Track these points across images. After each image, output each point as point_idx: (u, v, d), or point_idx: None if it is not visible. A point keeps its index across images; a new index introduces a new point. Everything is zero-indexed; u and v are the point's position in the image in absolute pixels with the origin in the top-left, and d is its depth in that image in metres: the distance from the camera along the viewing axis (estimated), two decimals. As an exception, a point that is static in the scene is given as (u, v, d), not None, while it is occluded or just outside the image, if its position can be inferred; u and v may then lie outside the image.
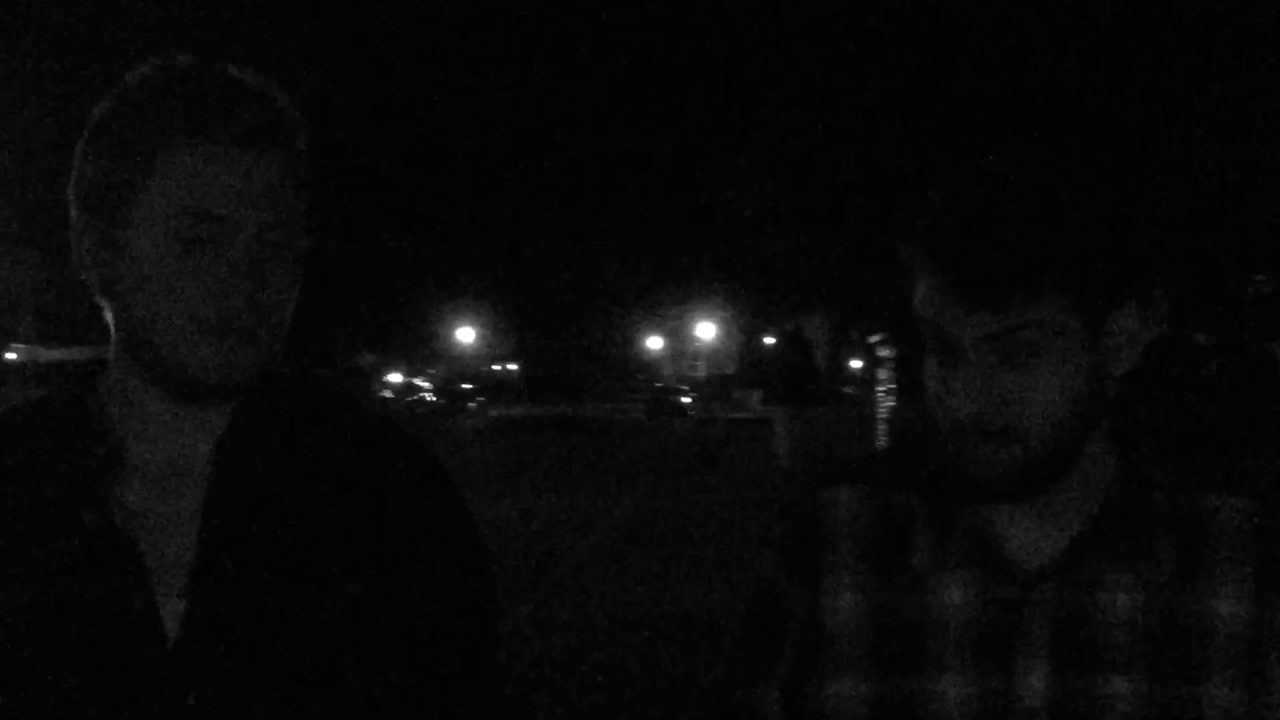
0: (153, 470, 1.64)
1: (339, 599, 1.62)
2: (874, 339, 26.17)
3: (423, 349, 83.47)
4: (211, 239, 1.57)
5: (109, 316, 1.65)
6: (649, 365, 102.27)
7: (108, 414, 1.66)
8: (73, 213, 1.64)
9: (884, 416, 24.71)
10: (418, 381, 70.38)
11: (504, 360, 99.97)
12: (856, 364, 58.51)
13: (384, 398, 60.07)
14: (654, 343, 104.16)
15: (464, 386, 70.50)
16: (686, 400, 64.54)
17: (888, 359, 24.72)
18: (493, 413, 65.57)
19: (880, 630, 1.62)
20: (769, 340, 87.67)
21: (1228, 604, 1.57)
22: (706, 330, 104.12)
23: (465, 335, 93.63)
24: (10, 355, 25.76)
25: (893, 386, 24.25)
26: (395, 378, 69.20)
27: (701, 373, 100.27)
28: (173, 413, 1.65)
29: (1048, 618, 1.56)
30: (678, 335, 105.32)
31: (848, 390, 57.29)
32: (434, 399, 63.30)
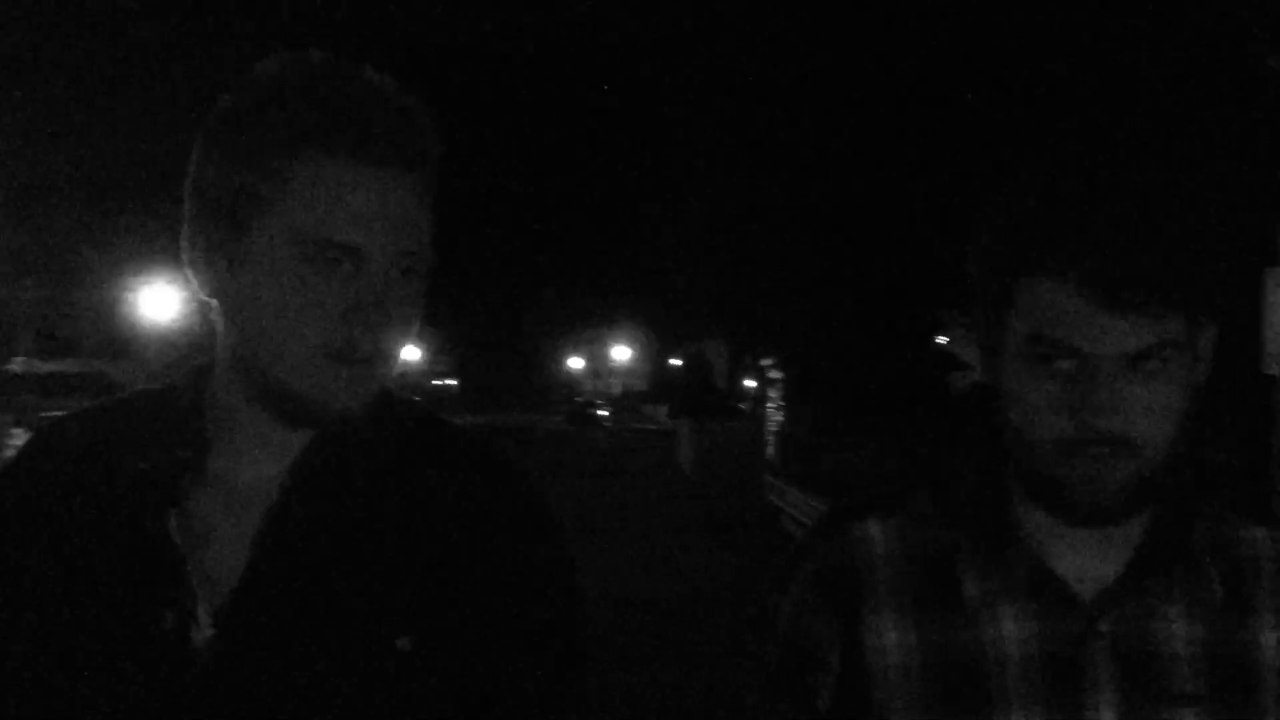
0: (230, 485, 1.36)
1: (385, 653, 1.30)
2: (765, 362, 26.37)
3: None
4: (341, 265, 1.29)
5: (217, 320, 1.38)
6: (571, 381, 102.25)
7: (200, 420, 1.38)
8: (189, 208, 1.35)
9: (773, 429, 24.88)
10: (413, 399, 69.70)
11: (445, 376, 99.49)
12: (750, 383, 58.78)
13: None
14: (575, 362, 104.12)
15: (414, 399, 69.91)
16: (603, 413, 64.35)
17: (776, 379, 24.92)
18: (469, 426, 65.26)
19: (933, 669, 1.36)
20: (675, 361, 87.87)
21: (1272, 635, 1.38)
22: (622, 352, 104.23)
23: (411, 354, 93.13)
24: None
25: (781, 403, 24.43)
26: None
27: (617, 389, 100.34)
28: (266, 432, 1.37)
29: (1112, 650, 1.35)
30: (596, 356, 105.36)
31: (742, 406, 57.52)
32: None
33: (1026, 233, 1.31)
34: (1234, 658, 1.36)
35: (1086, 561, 1.38)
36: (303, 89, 1.31)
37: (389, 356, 1.34)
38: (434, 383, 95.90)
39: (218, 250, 1.33)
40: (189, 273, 1.38)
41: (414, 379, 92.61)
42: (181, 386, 1.42)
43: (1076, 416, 1.28)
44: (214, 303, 1.37)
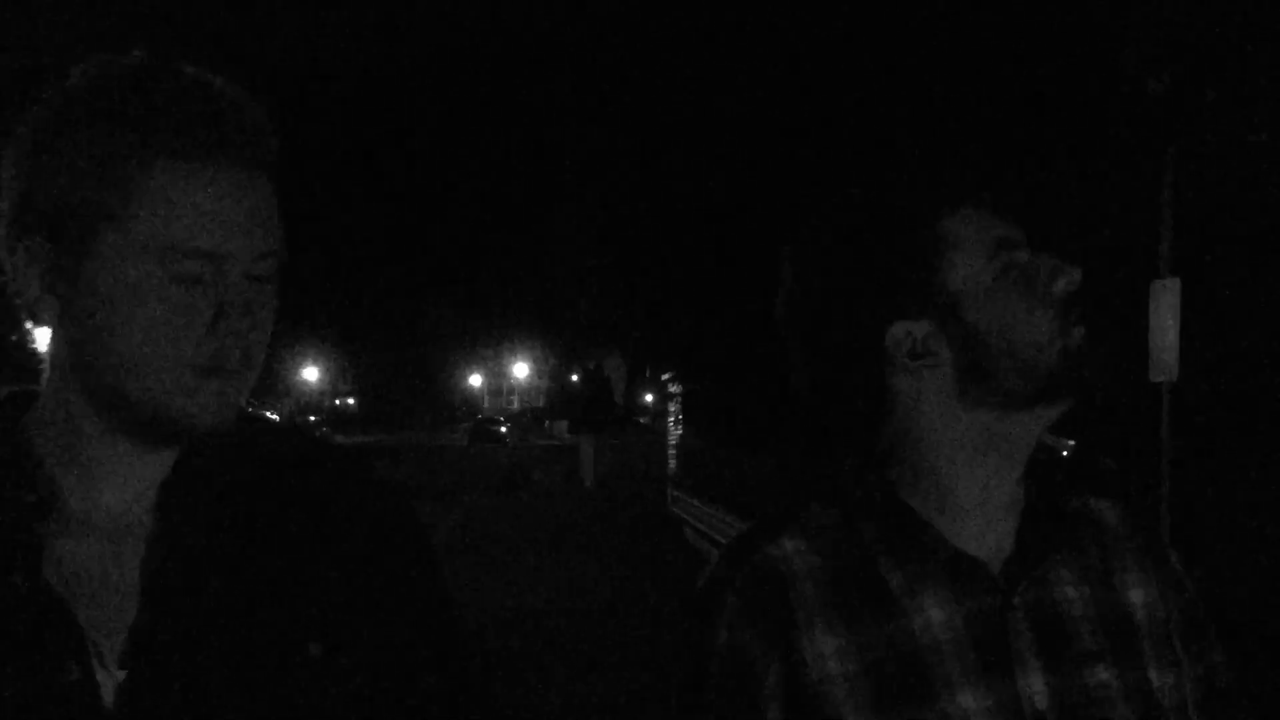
0: (92, 520, 1.27)
1: (300, 662, 1.27)
2: (664, 376, 26.52)
3: (272, 385, 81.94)
4: (203, 275, 1.22)
5: (50, 347, 1.28)
6: (470, 399, 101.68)
7: (37, 456, 1.27)
8: (5, 231, 1.24)
9: (673, 442, 25.01)
10: (267, 414, 69.00)
11: (344, 395, 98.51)
12: (649, 397, 58.88)
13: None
14: (475, 380, 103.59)
15: (309, 419, 69.13)
16: (503, 429, 64.11)
17: (675, 393, 25.06)
18: (334, 441, 64.48)
19: (874, 666, 1.38)
20: (574, 377, 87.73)
21: (1137, 593, 1.47)
22: (521, 369, 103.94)
23: (310, 374, 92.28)
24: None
25: (680, 417, 24.57)
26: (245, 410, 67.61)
27: (516, 406, 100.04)
28: (121, 457, 1.28)
29: (1027, 619, 1.40)
30: (495, 373, 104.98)
31: (642, 420, 57.61)
32: (281, 429, 61.96)
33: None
34: (1118, 615, 1.44)
35: (985, 537, 1.44)
36: (140, 92, 1.23)
37: (255, 364, 1.28)
38: (334, 402, 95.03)
39: (52, 273, 1.23)
40: (17, 301, 1.26)
41: (313, 399, 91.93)
42: None
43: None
44: (39, 329, 1.27)
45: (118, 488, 1.28)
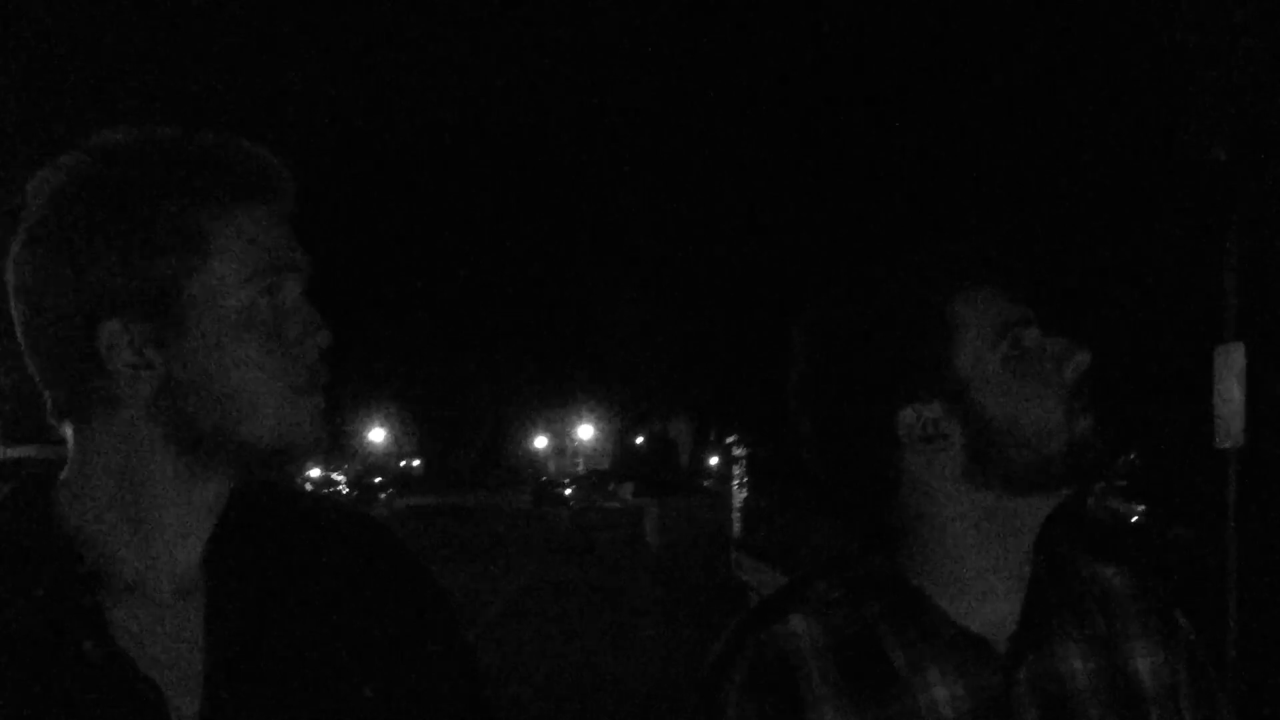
0: (149, 583, 1.30)
1: (358, 704, 1.32)
2: (729, 439, 26.50)
3: (339, 447, 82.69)
4: (284, 288, 1.30)
5: (91, 427, 1.29)
6: (535, 461, 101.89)
7: (79, 524, 1.29)
8: (60, 327, 1.25)
9: (738, 505, 24.96)
10: (334, 475, 69.44)
11: (410, 457, 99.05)
12: (714, 460, 58.76)
13: (303, 490, 59.30)
14: (540, 441, 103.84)
15: (375, 480, 69.58)
16: (568, 492, 64.16)
17: (741, 456, 25.03)
18: (400, 503, 64.78)
19: None
20: (639, 440, 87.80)
21: (1144, 661, 1.47)
22: (585, 431, 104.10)
23: (377, 436, 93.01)
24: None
25: (745, 479, 24.53)
26: (314, 472, 68.29)
27: (580, 468, 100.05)
28: (183, 515, 1.31)
29: (1031, 694, 1.41)
30: (560, 435, 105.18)
31: (707, 483, 57.44)
32: (347, 491, 62.44)
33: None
34: (1124, 685, 1.44)
35: (990, 613, 1.44)
36: (183, 154, 1.28)
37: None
38: (400, 464, 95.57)
39: (150, 345, 1.26)
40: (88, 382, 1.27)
41: (379, 460, 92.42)
42: (25, 503, 1.32)
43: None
44: (130, 403, 1.27)
45: (175, 547, 1.31)
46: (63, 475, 1.32)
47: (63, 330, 1.26)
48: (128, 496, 1.29)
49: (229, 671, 1.27)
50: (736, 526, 23.98)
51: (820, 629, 1.45)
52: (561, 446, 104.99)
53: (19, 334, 1.29)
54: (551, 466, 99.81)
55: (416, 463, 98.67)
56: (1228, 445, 7.49)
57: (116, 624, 1.25)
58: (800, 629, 1.45)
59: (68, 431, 1.32)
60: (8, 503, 1.32)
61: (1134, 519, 16.55)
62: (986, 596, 1.45)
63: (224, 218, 1.27)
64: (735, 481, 25.17)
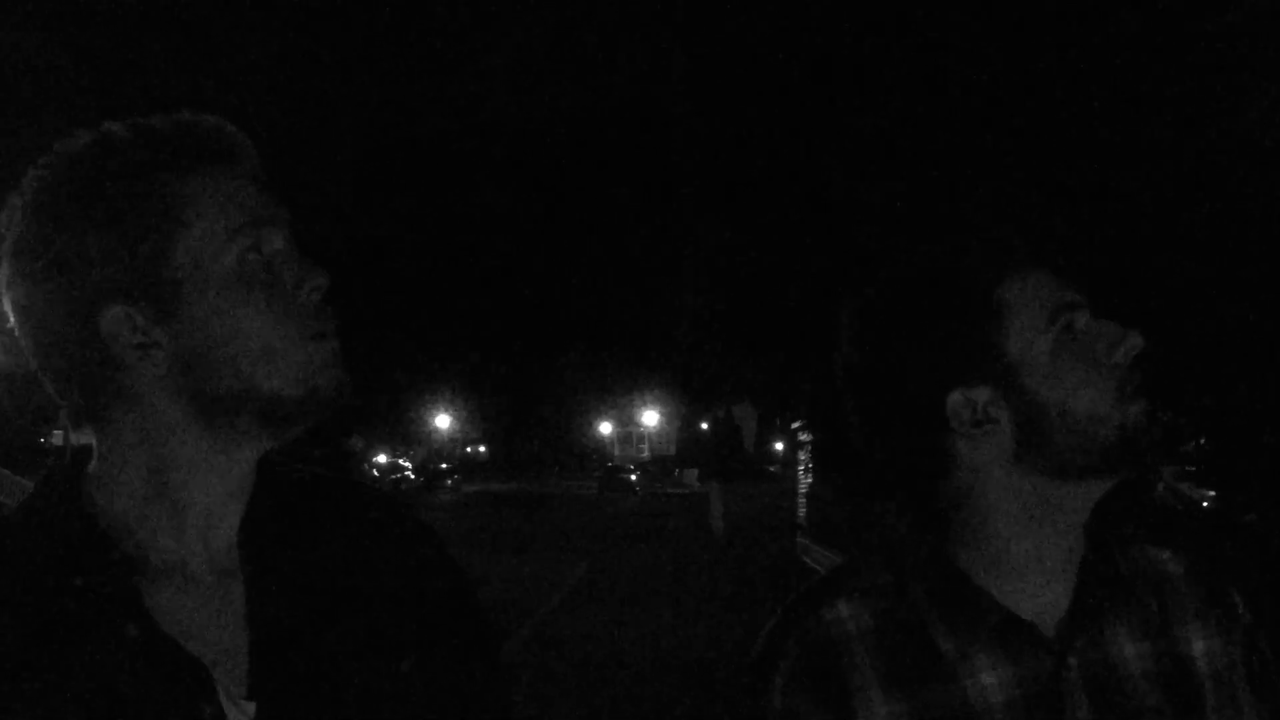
0: (185, 562, 1.31)
1: (396, 676, 1.35)
2: (795, 424, 26.47)
3: (405, 433, 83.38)
4: (273, 240, 1.31)
5: (127, 408, 1.29)
6: (600, 447, 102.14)
7: (110, 512, 1.31)
8: (82, 309, 1.27)
9: (803, 490, 24.96)
10: (400, 462, 69.99)
11: (475, 443, 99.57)
12: (779, 445, 58.65)
13: (371, 476, 59.88)
14: (605, 428, 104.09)
15: (441, 466, 70.06)
16: (633, 478, 64.32)
17: (806, 441, 25.00)
18: (467, 489, 65.17)
19: None
20: (704, 425, 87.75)
21: (1199, 644, 1.45)
22: (650, 417, 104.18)
23: (442, 422, 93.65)
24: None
25: (811, 465, 24.51)
26: (381, 459, 68.83)
27: (646, 454, 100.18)
28: (201, 501, 1.32)
29: (1082, 680, 1.39)
30: (625, 421, 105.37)
31: (772, 468, 57.31)
32: (414, 477, 62.94)
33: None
34: (1179, 669, 1.42)
35: (1039, 598, 1.42)
36: (154, 134, 1.31)
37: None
38: (465, 449, 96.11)
39: (151, 323, 1.27)
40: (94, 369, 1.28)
41: (444, 446, 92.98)
42: (61, 491, 1.33)
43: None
44: (153, 381, 1.29)
45: (208, 529, 1.32)
46: (90, 467, 1.33)
47: (66, 332, 1.27)
48: (157, 481, 1.31)
49: (273, 648, 1.29)
50: (802, 512, 23.98)
51: (867, 615, 1.44)
52: (627, 433, 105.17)
53: (28, 355, 1.31)
54: (617, 452, 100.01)
55: (482, 449, 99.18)
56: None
57: (158, 607, 1.26)
58: (847, 615, 1.44)
59: (90, 435, 1.33)
60: (39, 493, 1.34)
61: (1204, 504, 16.39)
62: (1036, 581, 1.43)
63: (193, 182, 1.28)
64: (801, 467, 25.14)
